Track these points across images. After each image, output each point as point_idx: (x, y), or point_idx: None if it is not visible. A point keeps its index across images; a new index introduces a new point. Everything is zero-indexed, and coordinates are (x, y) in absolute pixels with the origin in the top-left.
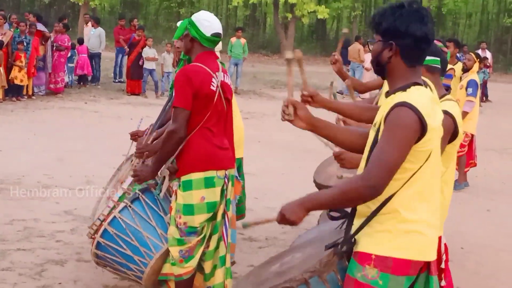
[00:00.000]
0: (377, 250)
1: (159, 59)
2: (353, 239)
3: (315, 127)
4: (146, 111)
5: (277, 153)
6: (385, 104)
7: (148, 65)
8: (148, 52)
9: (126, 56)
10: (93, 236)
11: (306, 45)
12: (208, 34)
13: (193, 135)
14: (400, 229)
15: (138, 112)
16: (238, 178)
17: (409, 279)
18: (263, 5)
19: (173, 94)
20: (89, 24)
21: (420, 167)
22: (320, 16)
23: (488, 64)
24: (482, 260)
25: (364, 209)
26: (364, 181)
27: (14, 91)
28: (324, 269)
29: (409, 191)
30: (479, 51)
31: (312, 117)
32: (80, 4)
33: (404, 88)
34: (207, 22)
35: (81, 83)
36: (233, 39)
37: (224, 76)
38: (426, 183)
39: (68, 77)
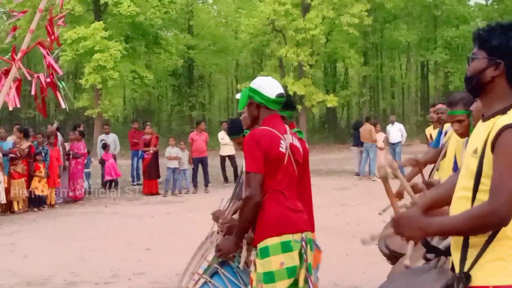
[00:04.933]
0: (494, 281)
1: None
2: (466, 275)
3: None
4: (166, 208)
5: None
6: (484, 128)
7: (171, 164)
8: (170, 151)
9: (141, 159)
10: None
11: (318, 135)
12: (273, 96)
13: (265, 199)
14: None
15: (157, 210)
16: (318, 246)
17: None
18: None
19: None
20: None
21: None
22: (330, 104)
23: None
24: None
25: (476, 240)
26: (491, 211)
27: (35, 202)
28: None
29: None
30: None
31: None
32: (94, 116)
33: (504, 111)
34: (268, 85)
35: (109, 187)
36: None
37: (292, 138)
38: None
39: (87, 183)
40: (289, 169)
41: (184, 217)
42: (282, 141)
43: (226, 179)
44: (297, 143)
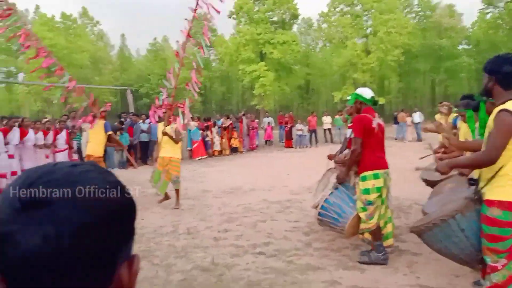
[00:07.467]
0: (498, 197)
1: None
2: (480, 191)
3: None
4: (297, 155)
5: None
6: (493, 112)
7: (298, 132)
8: (298, 126)
9: (284, 129)
10: (316, 208)
11: None
12: (368, 97)
13: (364, 151)
14: (510, 184)
15: (292, 156)
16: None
17: None
18: None
19: (351, 131)
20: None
21: None
22: (381, 102)
23: None
24: None
25: (487, 175)
26: (484, 155)
27: (234, 150)
28: (464, 209)
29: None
30: None
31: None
32: (260, 109)
33: (503, 102)
34: (366, 91)
35: (267, 143)
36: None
37: (378, 119)
38: None
39: (257, 141)
40: (377, 135)
41: (306, 158)
42: (373, 121)
43: (326, 141)
44: (381, 122)
